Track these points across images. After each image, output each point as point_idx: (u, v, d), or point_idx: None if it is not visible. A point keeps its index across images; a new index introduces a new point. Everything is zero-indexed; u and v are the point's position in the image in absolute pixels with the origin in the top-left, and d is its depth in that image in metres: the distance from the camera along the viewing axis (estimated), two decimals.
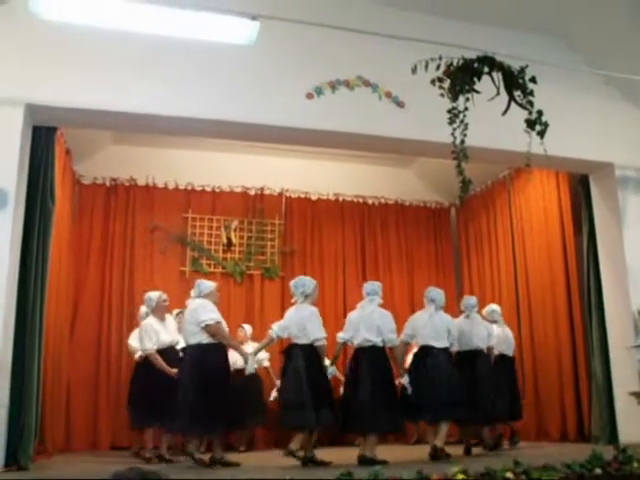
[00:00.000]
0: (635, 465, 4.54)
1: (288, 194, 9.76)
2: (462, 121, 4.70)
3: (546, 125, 4.87)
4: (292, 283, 6.15)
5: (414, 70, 4.75)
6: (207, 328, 5.77)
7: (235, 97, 6.27)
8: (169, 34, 5.43)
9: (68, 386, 7.92)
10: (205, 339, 5.78)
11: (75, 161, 8.04)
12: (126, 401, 6.91)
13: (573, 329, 7.86)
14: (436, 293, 6.42)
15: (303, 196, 9.84)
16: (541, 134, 4.87)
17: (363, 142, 6.90)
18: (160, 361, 6.38)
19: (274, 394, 7.79)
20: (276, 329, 5.98)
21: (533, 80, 4.89)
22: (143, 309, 6.86)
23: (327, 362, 6.10)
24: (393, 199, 10.22)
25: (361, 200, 10.08)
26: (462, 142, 4.69)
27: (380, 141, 6.79)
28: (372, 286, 6.29)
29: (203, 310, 5.84)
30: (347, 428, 5.98)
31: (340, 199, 9.99)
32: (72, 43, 5.85)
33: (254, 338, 8.20)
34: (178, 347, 6.53)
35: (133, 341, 7.16)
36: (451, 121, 4.71)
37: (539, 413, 8.06)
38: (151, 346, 6.43)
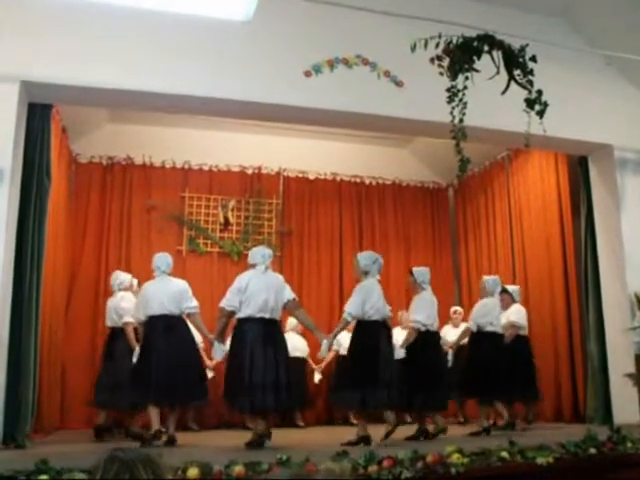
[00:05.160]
0: (629, 445, 4.58)
1: (286, 173, 9.72)
2: (461, 100, 4.67)
3: (545, 105, 4.85)
4: (421, 271, 6.40)
5: (413, 48, 4.71)
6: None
7: (232, 74, 6.22)
8: (166, 10, 5.36)
9: (64, 365, 7.93)
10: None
11: (71, 140, 8.00)
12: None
13: (570, 311, 7.87)
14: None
15: (301, 175, 9.80)
16: (540, 114, 4.85)
17: (361, 121, 6.86)
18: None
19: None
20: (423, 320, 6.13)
21: (533, 59, 4.85)
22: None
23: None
24: (390, 179, 10.19)
25: (358, 180, 10.05)
26: (461, 121, 4.66)
27: (378, 120, 6.74)
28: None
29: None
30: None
31: (338, 179, 9.95)
32: (68, 19, 5.79)
33: None
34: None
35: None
36: (450, 100, 4.69)
37: None
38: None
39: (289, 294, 5.71)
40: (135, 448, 1.69)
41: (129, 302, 6.49)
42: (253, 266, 5.75)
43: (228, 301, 5.57)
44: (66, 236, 7.91)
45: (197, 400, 6.16)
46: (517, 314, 7.23)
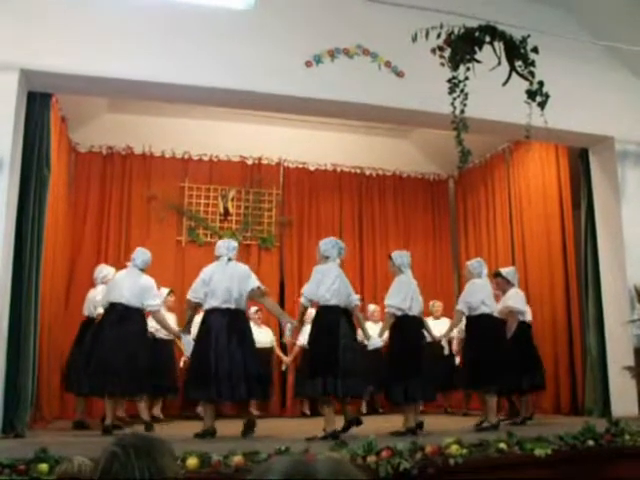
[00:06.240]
0: (627, 438, 4.59)
1: (286, 164, 9.71)
2: (462, 91, 4.65)
3: (547, 96, 4.83)
4: (400, 254, 6.16)
5: (415, 38, 4.69)
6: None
7: (233, 64, 6.19)
8: None
9: (63, 355, 7.92)
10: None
11: (71, 129, 7.97)
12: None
13: (569, 303, 7.87)
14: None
15: (301, 166, 9.78)
16: (542, 105, 4.83)
17: (362, 112, 6.84)
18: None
19: None
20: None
21: (535, 50, 4.83)
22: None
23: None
24: (391, 170, 10.18)
25: (359, 171, 10.03)
26: (462, 112, 4.64)
27: (379, 111, 6.72)
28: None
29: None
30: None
31: (338, 170, 9.93)
32: (68, 8, 5.76)
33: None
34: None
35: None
36: (451, 91, 4.67)
37: None
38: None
39: (253, 283, 5.75)
40: (138, 441, 1.67)
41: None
42: (218, 258, 5.85)
43: (193, 293, 5.72)
44: (66, 226, 7.90)
45: (130, 394, 6.11)
46: (514, 298, 6.73)
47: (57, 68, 5.75)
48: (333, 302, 5.47)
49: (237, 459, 3.67)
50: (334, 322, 5.43)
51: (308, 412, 8.36)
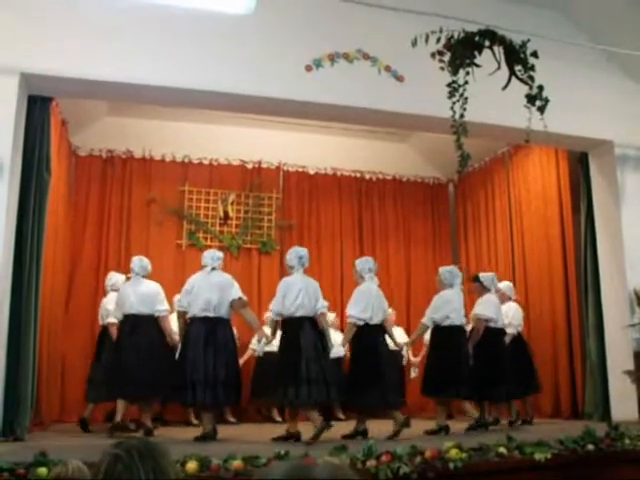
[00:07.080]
0: (627, 442, 4.59)
1: (286, 168, 9.71)
2: (462, 95, 4.65)
3: (546, 100, 4.83)
4: (362, 260, 6.15)
5: (414, 43, 4.69)
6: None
7: (233, 68, 6.20)
8: (166, 3, 5.36)
9: (63, 358, 7.93)
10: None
11: (71, 132, 7.97)
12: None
13: (569, 307, 7.87)
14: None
15: (301, 170, 9.78)
16: (541, 109, 4.83)
17: (361, 116, 6.85)
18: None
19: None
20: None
21: (534, 55, 4.83)
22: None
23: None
24: (391, 174, 10.17)
25: (359, 175, 10.03)
26: (461, 116, 4.65)
27: (379, 115, 6.73)
28: None
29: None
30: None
31: (338, 174, 9.93)
32: (68, 12, 5.78)
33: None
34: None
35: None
36: (451, 95, 4.67)
37: None
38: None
39: (235, 294, 5.87)
40: (140, 444, 1.67)
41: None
42: (203, 267, 6.01)
43: (179, 302, 6.01)
44: (66, 229, 7.90)
45: (152, 397, 6.24)
46: (483, 305, 6.59)
47: (57, 72, 5.76)
48: (298, 314, 5.59)
49: (236, 463, 3.67)
50: (295, 334, 5.55)
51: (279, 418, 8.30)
